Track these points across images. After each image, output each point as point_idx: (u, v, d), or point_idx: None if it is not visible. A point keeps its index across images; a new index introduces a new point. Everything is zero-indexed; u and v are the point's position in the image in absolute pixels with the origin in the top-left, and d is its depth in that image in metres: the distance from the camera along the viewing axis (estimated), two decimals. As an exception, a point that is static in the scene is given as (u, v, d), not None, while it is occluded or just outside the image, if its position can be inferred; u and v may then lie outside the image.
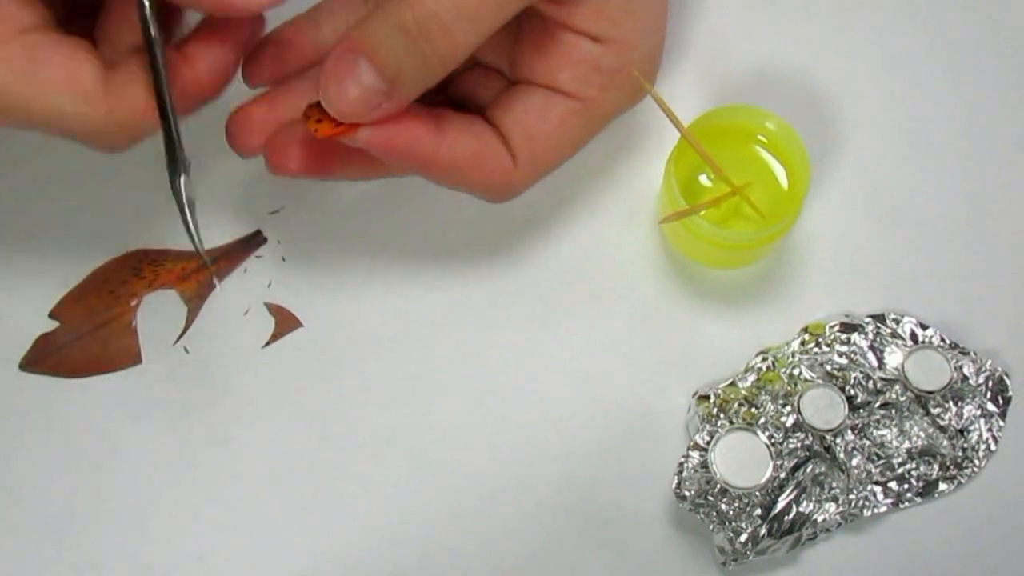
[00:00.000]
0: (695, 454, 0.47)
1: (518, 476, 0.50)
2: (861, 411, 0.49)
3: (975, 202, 0.54)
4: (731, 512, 0.47)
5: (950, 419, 0.49)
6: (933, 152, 0.54)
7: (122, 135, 0.41)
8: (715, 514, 0.47)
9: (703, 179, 0.51)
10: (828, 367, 0.49)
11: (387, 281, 0.53)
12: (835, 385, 0.48)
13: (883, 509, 0.49)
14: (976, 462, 0.49)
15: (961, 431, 0.49)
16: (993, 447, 0.50)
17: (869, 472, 0.48)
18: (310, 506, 0.50)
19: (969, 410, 0.49)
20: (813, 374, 0.49)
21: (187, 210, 0.44)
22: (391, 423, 0.51)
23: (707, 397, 0.49)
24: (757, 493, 0.46)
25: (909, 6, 0.56)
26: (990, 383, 0.50)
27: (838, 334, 0.50)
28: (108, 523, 0.50)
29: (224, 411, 0.51)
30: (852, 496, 0.48)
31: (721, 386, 0.50)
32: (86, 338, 0.51)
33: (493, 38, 0.45)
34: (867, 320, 0.51)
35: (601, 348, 0.52)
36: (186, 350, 0.52)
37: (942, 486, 0.49)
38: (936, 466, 0.49)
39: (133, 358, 0.51)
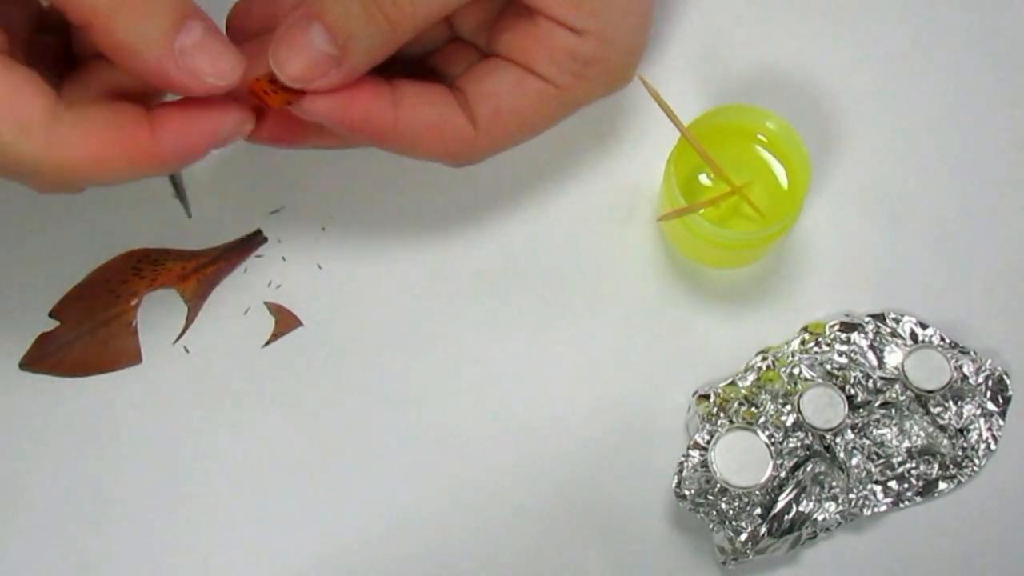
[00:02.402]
0: (695, 453, 0.47)
1: (518, 475, 0.50)
2: (861, 410, 0.49)
3: (975, 202, 0.54)
4: (731, 511, 0.47)
5: (950, 418, 0.49)
6: (933, 152, 0.54)
7: (58, 179, 0.38)
8: (715, 513, 0.47)
9: (703, 178, 0.51)
10: (828, 366, 0.49)
11: (387, 280, 0.53)
12: (835, 384, 0.48)
13: (883, 508, 0.49)
14: (976, 461, 0.49)
15: (961, 430, 0.49)
16: (993, 446, 0.50)
17: (869, 471, 0.48)
18: (311, 505, 0.50)
19: (969, 409, 0.49)
20: (813, 373, 0.49)
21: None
22: (391, 422, 0.51)
23: (707, 396, 0.49)
24: (757, 492, 0.46)
25: (909, 6, 0.56)
26: (990, 382, 0.50)
27: (838, 333, 0.50)
28: (108, 523, 0.50)
29: (224, 411, 0.51)
30: (852, 495, 0.48)
31: (721, 385, 0.50)
32: (86, 338, 0.51)
33: (473, 14, 0.45)
34: (867, 319, 0.51)
35: (600, 347, 0.52)
36: (186, 350, 0.52)
37: (942, 485, 0.49)
38: (936, 465, 0.49)
39: (133, 358, 0.51)
